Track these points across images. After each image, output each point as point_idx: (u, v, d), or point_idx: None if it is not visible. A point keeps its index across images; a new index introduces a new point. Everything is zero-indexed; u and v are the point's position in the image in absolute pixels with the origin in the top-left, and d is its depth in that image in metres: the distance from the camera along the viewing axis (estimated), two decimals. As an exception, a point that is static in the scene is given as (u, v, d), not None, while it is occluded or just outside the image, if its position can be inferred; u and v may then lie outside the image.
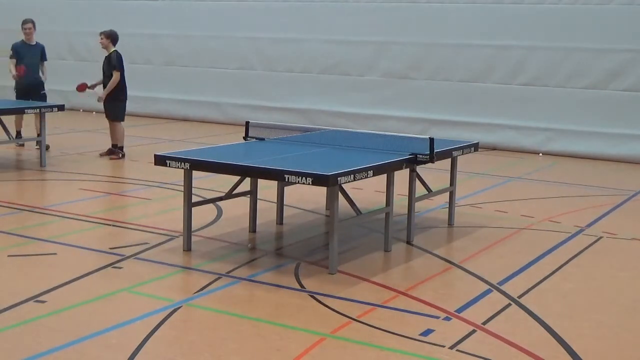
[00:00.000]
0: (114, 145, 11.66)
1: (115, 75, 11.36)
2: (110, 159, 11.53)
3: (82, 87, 11.81)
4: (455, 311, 5.50)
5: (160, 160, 6.70)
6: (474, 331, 5.15)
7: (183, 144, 12.59)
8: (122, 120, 11.69)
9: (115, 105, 11.57)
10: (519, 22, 13.37)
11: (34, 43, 12.21)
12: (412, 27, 14.22)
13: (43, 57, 12.25)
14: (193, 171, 6.63)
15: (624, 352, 4.98)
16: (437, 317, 5.39)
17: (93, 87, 11.87)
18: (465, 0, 13.77)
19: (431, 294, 5.87)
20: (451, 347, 4.87)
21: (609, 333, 5.28)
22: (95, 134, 13.89)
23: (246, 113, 14.51)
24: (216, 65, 16.29)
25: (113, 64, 11.38)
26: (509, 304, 5.71)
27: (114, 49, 11.54)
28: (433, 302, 5.67)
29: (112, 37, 11.58)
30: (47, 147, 11.48)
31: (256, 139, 7.92)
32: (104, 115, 11.79)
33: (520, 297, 5.86)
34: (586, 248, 7.34)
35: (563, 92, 13.11)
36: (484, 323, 5.29)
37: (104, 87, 11.53)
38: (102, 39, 11.57)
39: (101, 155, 11.73)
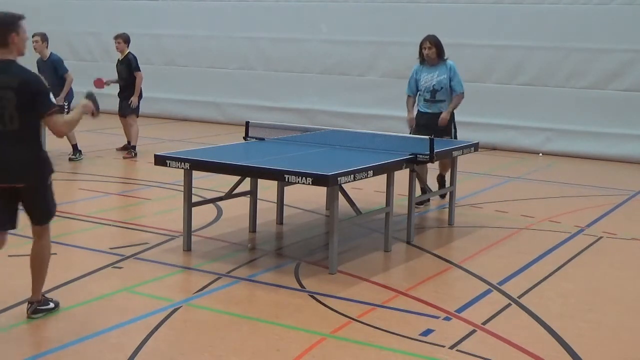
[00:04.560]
0: (129, 142, 11.92)
1: (139, 77, 11.79)
2: (124, 157, 11.66)
3: (99, 83, 11.83)
4: (455, 311, 5.50)
5: (160, 160, 6.71)
6: (474, 331, 5.15)
7: (183, 144, 12.59)
8: (137, 115, 11.98)
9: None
10: (519, 22, 13.36)
11: (45, 59, 11.20)
12: (412, 27, 14.17)
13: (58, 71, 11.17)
14: (193, 171, 6.64)
15: (624, 352, 4.98)
16: (437, 317, 5.39)
17: (109, 82, 12.03)
18: (465, 0, 13.78)
19: (431, 294, 5.87)
20: (451, 347, 4.87)
21: (609, 333, 5.28)
22: (95, 134, 13.87)
23: (246, 113, 14.45)
24: (216, 65, 16.28)
25: (134, 66, 11.78)
26: (509, 304, 5.71)
27: (128, 50, 11.86)
28: (433, 302, 5.67)
29: (128, 41, 11.90)
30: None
31: (256, 139, 7.91)
32: (118, 115, 12.07)
33: (520, 297, 5.86)
34: (586, 248, 7.33)
35: (563, 92, 13.11)
36: (484, 323, 5.29)
37: (122, 89, 11.92)
38: (119, 42, 11.82)
39: (117, 149, 12.14)
